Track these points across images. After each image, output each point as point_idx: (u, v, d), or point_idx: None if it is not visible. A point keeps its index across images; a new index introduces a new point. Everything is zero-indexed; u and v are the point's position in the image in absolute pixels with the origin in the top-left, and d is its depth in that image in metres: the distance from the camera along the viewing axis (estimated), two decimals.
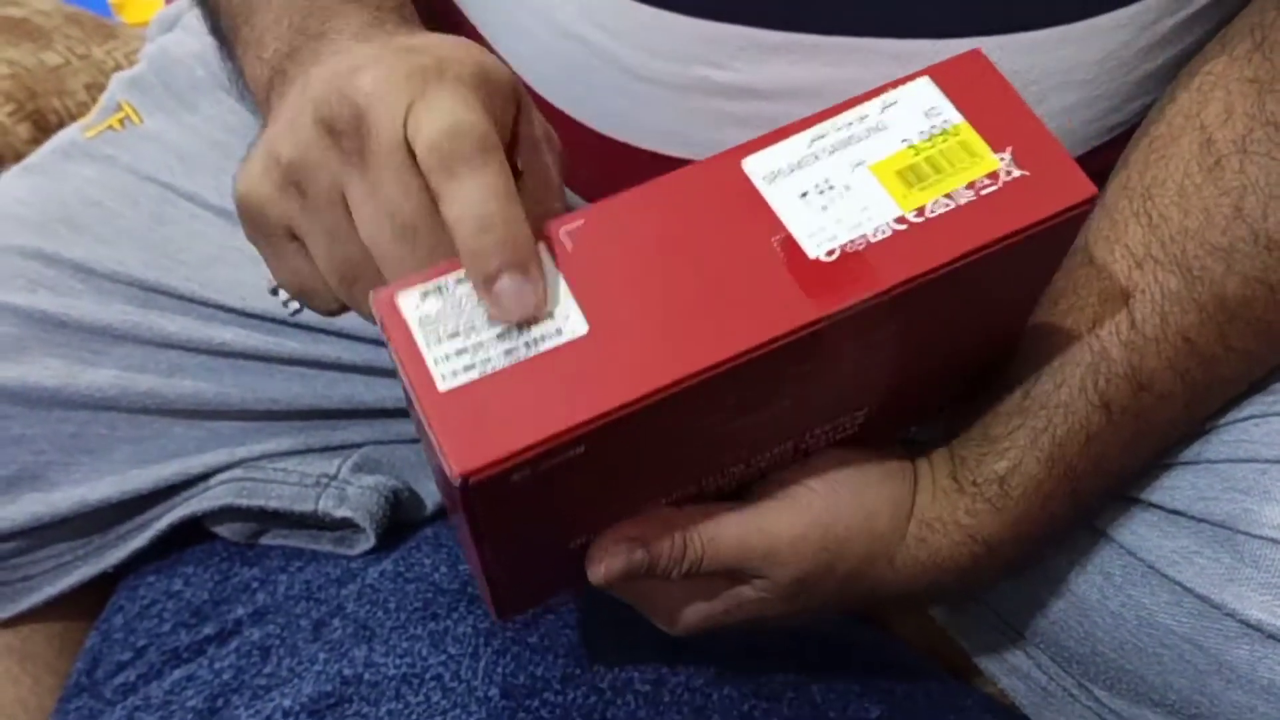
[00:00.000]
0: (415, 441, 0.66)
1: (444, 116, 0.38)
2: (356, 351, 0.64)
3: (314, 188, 0.40)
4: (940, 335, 0.45)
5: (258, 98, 0.49)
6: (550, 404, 0.37)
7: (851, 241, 0.39)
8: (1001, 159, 0.40)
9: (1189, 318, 0.47)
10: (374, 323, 0.39)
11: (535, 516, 0.41)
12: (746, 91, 0.50)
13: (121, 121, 0.69)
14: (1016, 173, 0.40)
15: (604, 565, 0.45)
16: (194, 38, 0.69)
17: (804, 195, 0.40)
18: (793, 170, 0.40)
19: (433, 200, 0.39)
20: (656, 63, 0.50)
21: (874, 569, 0.49)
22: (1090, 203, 0.40)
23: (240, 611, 0.61)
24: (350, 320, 0.63)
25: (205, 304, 0.63)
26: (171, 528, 0.64)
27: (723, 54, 0.49)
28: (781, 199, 0.40)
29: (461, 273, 0.38)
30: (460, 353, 0.37)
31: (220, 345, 0.63)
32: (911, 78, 0.42)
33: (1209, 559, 0.50)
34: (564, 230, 0.39)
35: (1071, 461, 0.48)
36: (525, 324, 0.38)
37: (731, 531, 0.47)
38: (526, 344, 0.37)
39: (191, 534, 0.65)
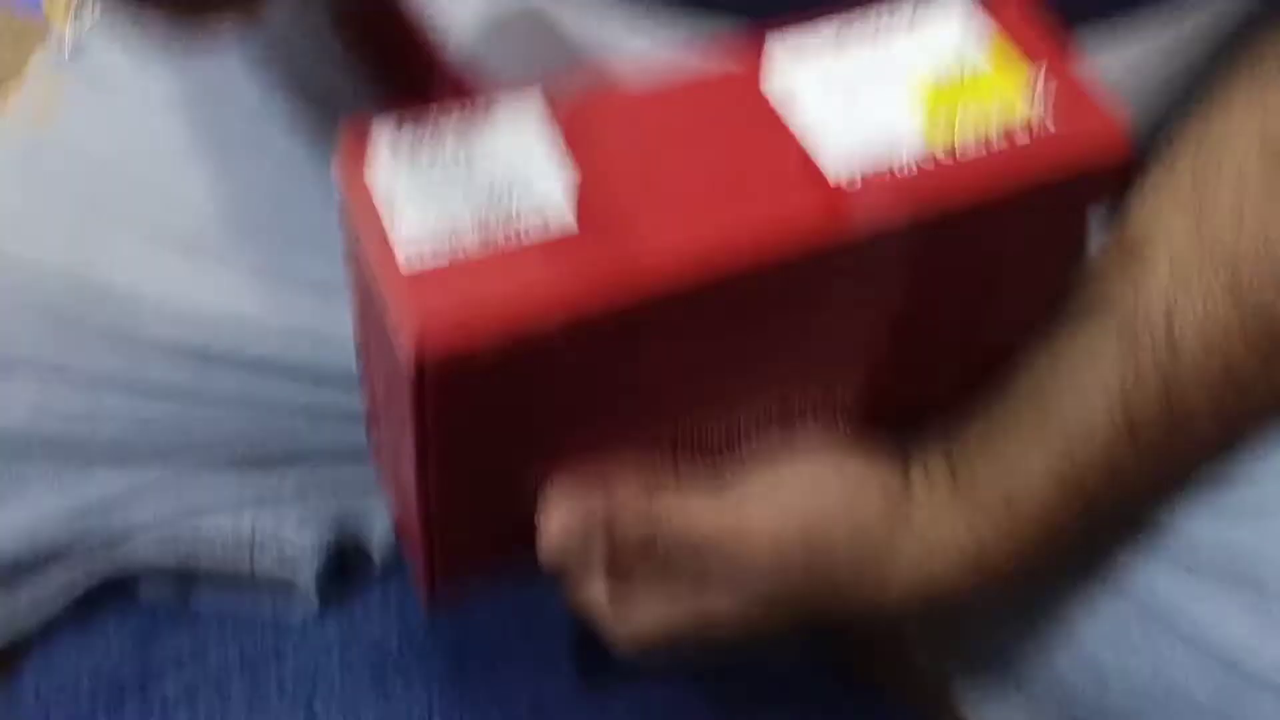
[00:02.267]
0: (365, 490, 0.60)
1: None
2: (296, 391, 0.58)
3: None
4: (947, 299, 0.42)
5: None
6: (527, 292, 0.34)
7: (876, 170, 0.36)
8: (1037, 99, 0.38)
9: (1234, 347, 0.43)
10: None
11: (493, 431, 0.38)
12: None
13: (40, 120, 0.62)
14: (1050, 125, 0.37)
15: (557, 515, 0.41)
16: None
17: (825, 113, 0.37)
18: (818, 85, 0.38)
19: None
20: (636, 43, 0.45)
21: (860, 583, 0.45)
22: (1124, 167, 0.39)
23: (169, 690, 0.55)
24: (297, 354, 0.58)
25: (132, 337, 0.56)
26: (93, 587, 0.58)
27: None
28: (805, 102, 0.38)
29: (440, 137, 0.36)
30: (433, 236, 0.34)
31: (147, 384, 0.57)
32: None
33: (1237, 619, 0.46)
34: (564, 107, 0.37)
35: (1089, 489, 0.44)
36: (509, 214, 0.35)
37: (702, 507, 0.42)
38: (507, 236, 0.35)
39: (114, 590, 0.59)
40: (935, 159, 0.37)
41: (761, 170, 0.36)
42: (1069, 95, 0.38)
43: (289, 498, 0.59)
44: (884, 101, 0.38)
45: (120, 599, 0.59)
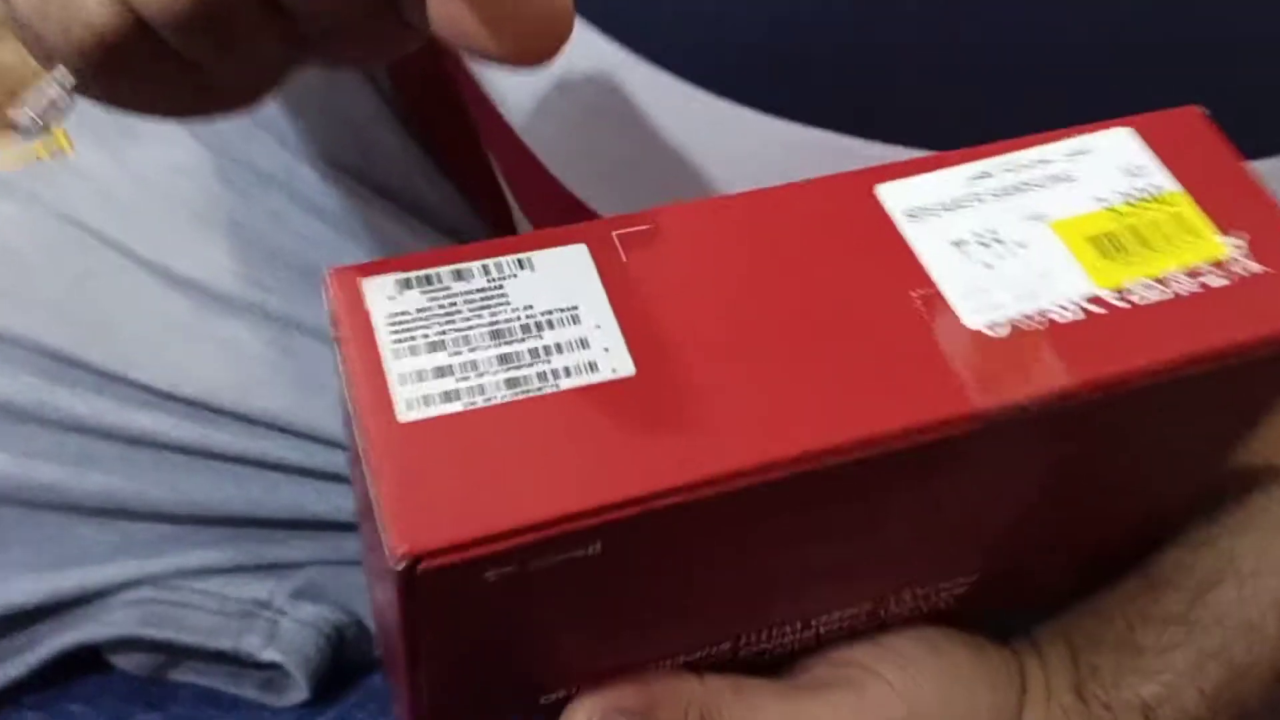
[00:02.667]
0: None
1: None
2: (306, 452, 0.53)
3: None
4: (1102, 474, 0.34)
5: None
6: (564, 469, 0.25)
7: (1027, 316, 0.29)
8: (1233, 245, 0.30)
9: None
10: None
11: (502, 642, 0.30)
12: None
13: (50, 151, 0.58)
14: (1255, 266, 0.30)
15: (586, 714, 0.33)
16: None
17: (960, 244, 0.30)
18: (945, 210, 0.30)
19: None
20: (720, 168, 0.39)
21: None
22: None
23: None
24: (306, 414, 0.53)
25: (126, 383, 0.52)
26: (59, 655, 0.51)
27: (810, 165, 0.38)
28: (928, 243, 0.30)
29: (460, 265, 0.28)
30: (442, 372, 0.26)
31: (140, 433, 0.52)
32: (1105, 125, 0.32)
33: None
34: (619, 233, 0.29)
35: (1248, 703, 0.36)
36: (545, 349, 0.27)
37: (768, 706, 0.34)
38: (542, 374, 0.27)
39: (85, 658, 0.53)
40: (1105, 304, 0.29)
41: (874, 315, 0.29)
42: (1270, 227, 0.31)
43: (288, 571, 0.53)
44: (1039, 235, 0.30)
45: (95, 670, 0.53)
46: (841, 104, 0.38)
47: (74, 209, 0.55)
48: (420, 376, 0.26)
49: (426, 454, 0.25)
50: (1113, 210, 0.31)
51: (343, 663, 0.53)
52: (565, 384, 0.26)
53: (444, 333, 0.27)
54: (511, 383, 0.26)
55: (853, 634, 0.36)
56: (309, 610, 0.53)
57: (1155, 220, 0.31)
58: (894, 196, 0.31)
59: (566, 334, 0.27)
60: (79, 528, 0.52)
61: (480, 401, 0.26)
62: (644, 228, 0.29)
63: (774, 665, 0.36)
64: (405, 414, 0.26)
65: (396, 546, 0.24)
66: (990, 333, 0.29)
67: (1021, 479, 0.31)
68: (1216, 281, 0.30)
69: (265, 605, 0.52)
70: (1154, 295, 0.29)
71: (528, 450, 0.25)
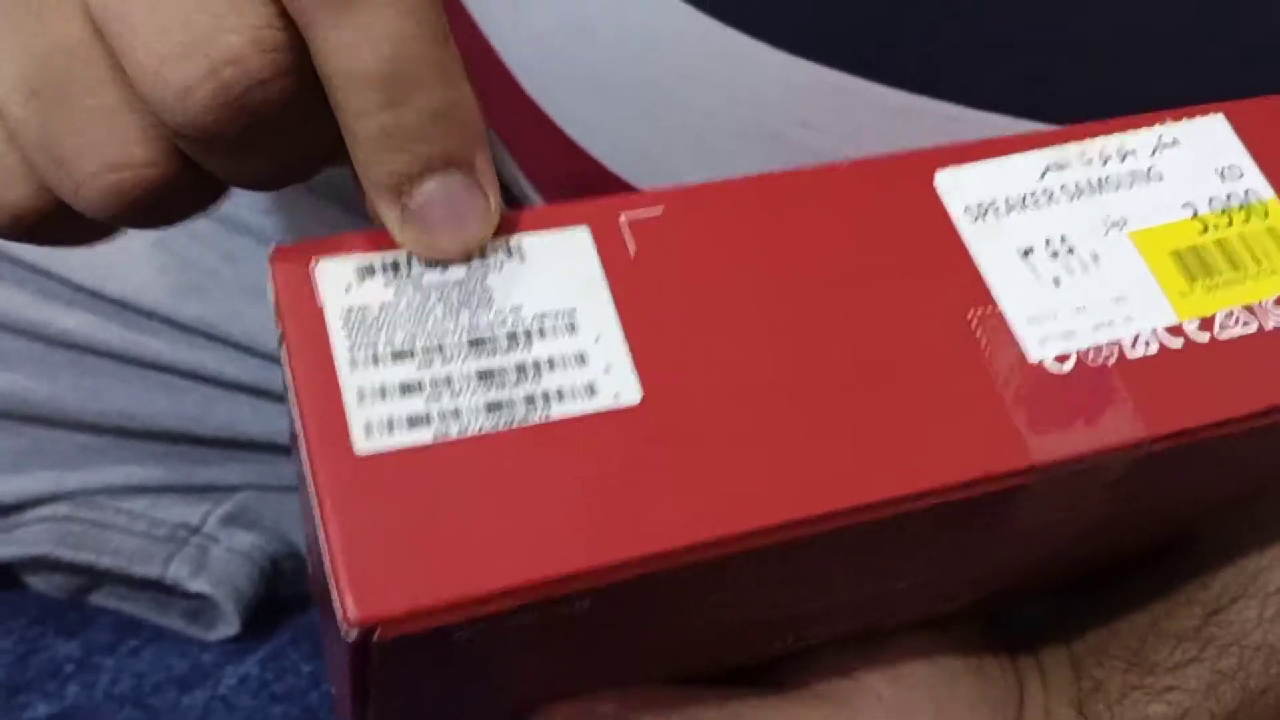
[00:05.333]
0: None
1: None
2: (243, 366, 0.48)
3: None
4: (1152, 511, 0.31)
5: None
6: (552, 522, 0.21)
7: (1097, 349, 0.25)
8: None
9: None
10: (93, 211, 0.23)
11: (464, 689, 0.26)
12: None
13: None
14: None
15: None
16: None
17: (1027, 253, 0.26)
18: (1012, 209, 0.26)
19: None
20: (721, 103, 0.34)
21: None
22: None
23: (41, 710, 0.45)
24: (245, 321, 0.48)
25: (47, 276, 0.47)
26: None
27: (814, 107, 0.33)
28: (991, 250, 0.26)
29: None
30: (409, 390, 0.22)
31: (61, 333, 0.47)
32: (1196, 110, 0.28)
33: None
34: (628, 217, 0.24)
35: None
36: (535, 365, 0.22)
37: (755, 712, 0.32)
38: (530, 398, 0.22)
39: None
40: (1185, 337, 0.25)
41: (923, 340, 0.24)
42: None
43: (221, 495, 0.49)
44: (1116, 246, 0.26)
45: (6, 590, 0.49)
46: (863, 45, 0.33)
47: None
48: (383, 393, 0.21)
49: (388, 497, 0.21)
50: (1200, 220, 0.27)
51: (276, 595, 0.49)
52: (557, 412, 0.22)
53: (413, 337, 0.22)
54: (493, 407, 0.22)
55: (839, 643, 0.33)
56: (242, 538, 0.49)
57: (1247, 235, 0.27)
58: (954, 187, 0.26)
59: (561, 346, 0.22)
60: None
61: (454, 431, 0.21)
62: (656, 211, 0.24)
63: (759, 670, 0.33)
64: (364, 443, 0.21)
65: (350, 613, 0.20)
66: (1055, 367, 0.24)
67: (1059, 523, 0.28)
68: None
69: (195, 530, 0.48)
70: (1239, 329, 0.26)
71: (508, 497, 0.21)
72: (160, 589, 0.48)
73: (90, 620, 0.48)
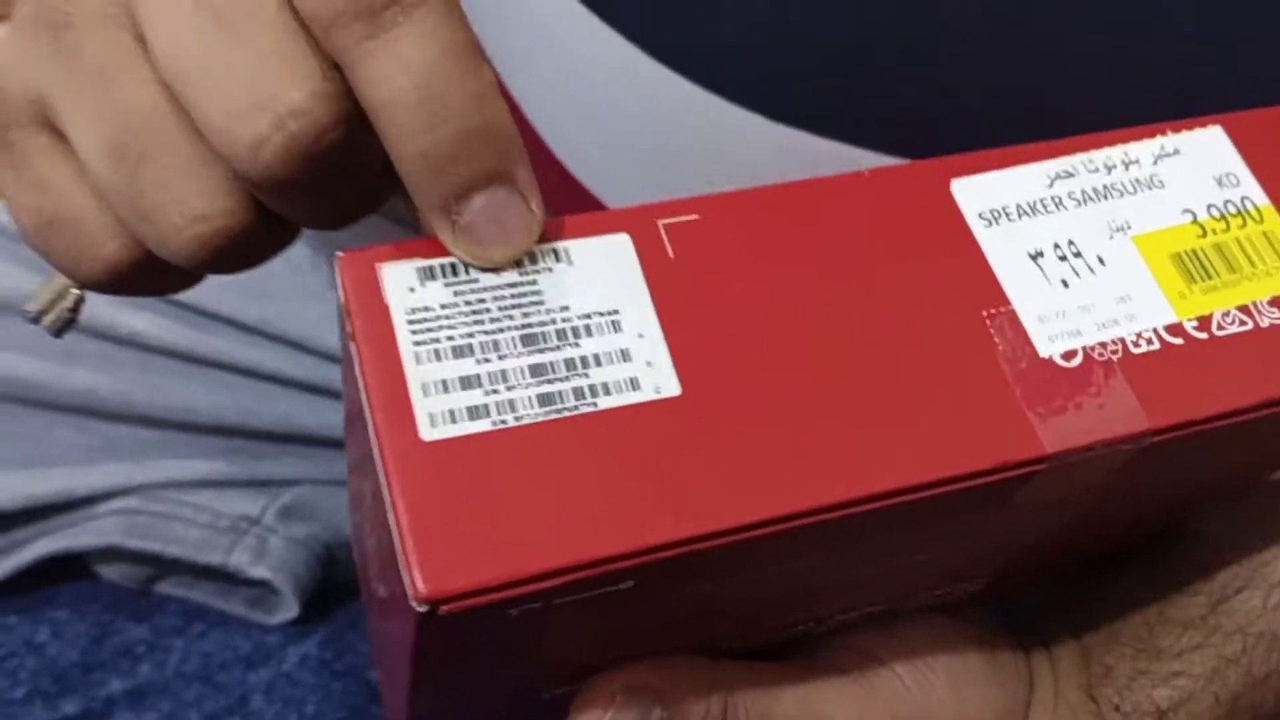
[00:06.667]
0: None
1: None
2: (302, 364, 0.51)
3: (82, 23, 0.26)
4: (1149, 494, 0.32)
5: None
6: (600, 504, 0.23)
7: (1102, 345, 0.27)
8: None
9: None
10: (181, 261, 0.25)
11: (511, 659, 0.28)
12: None
13: None
14: None
15: (601, 699, 0.31)
16: None
17: (1037, 256, 0.28)
18: (1023, 215, 0.28)
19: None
20: (732, 174, 0.37)
21: None
22: None
23: (116, 687, 0.47)
24: (301, 321, 0.50)
25: None
26: (42, 560, 0.50)
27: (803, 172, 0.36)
28: (1004, 253, 0.28)
29: None
30: (469, 383, 0.24)
31: (130, 334, 0.49)
32: (1196, 122, 0.30)
33: None
34: (664, 223, 0.26)
35: (1264, 713, 0.35)
36: (583, 360, 0.24)
37: (786, 713, 0.33)
38: (579, 391, 0.24)
39: (69, 566, 0.51)
40: (1185, 335, 0.27)
41: (942, 336, 0.26)
42: None
43: (279, 488, 0.52)
44: (1120, 250, 0.28)
45: (79, 573, 0.52)
46: (853, 115, 0.36)
47: None
48: (445, 387, 0.24)
49: (451, 481, 0.23)
50: (1199, 224, 0.29)
51: (333, 582, 0.52)
52: (604, 403, 0.24)
53: (471, 335, 0.24)
54: (545, 399, 0.24)
55: (861, 626, 0.35)
56: (300, 528, 0.51)
57: (1243, 239, 0.29)
58: (969, 194, 0.28)
59: (606, 343, 0.25)
60: (59, 428, 0.50)
61: (510, 420, 0.24)
62: (692, 217, 0.26)
63: (782, 648, 0.35)
64: (429, 432, 0.23)
65: (419, 588, 0.22)
66: (1064, 363, 0.27)
67: (1066, 506, 0.30)
68: None
69: (255, 521, 0.51)
70: (1235, 327, 0.28)
71: (561, 481, 0.23)
72: (223, 577, 0.51)
73: (159, 607, 0.51)
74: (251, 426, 0.51)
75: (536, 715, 0.33)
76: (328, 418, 0.51)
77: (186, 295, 0.49)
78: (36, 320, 0.30)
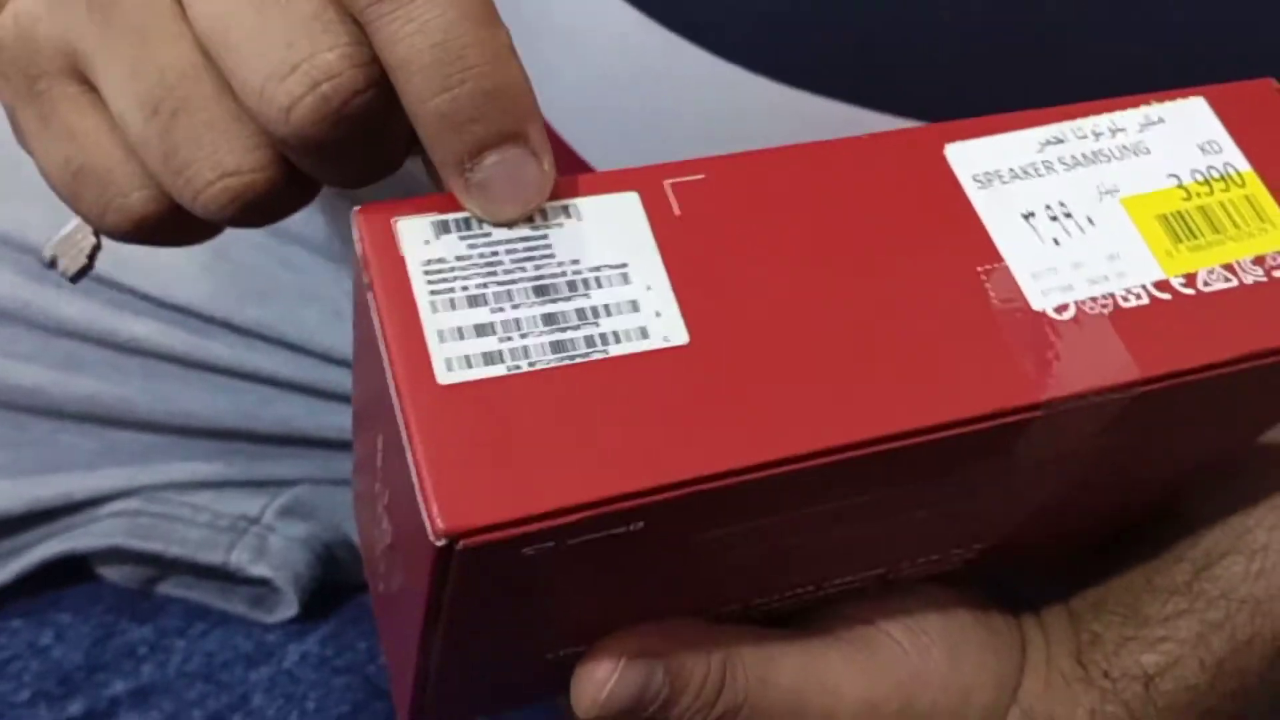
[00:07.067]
0: None
1: None
2: (298, 366, 0.52)
3: None
4: (1138, 454, 0.33)
5: None
6: (611, 445, 0.24)
7: (1094, 299, 0.28)
8: None
9: None
10: (207, 214, 0.27)
11: (522, 607, 0.29)
12: None
13: None
14: None
15: (605, 686, 0.31)
16: None
17: (1029, 215, 0.29)
18: (1014, 178, 0.29)
19: None
20: (730, 133, 0.38)
21: None
22: None
23: (119, 687, 0.48)
24: (301, 326, 0.51)
25: (117, 287, 0.50)
26: (45, 564, 0.51)
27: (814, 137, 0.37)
28: (997, 213, 0.29)
29: None
30: (483, 330, 0.25)
31: (130, 340, 0.50)
32: (1179, 93, 0.31)
33: None
34: (672, 182, 0.27)
35: (1248, 677, 0.36)
36: (593, 310, 0.25)
37: (787, 676, 0.34)
38: (590, 339, 0.25)
39: (72, 569, 0.52)
40: (1173, 291, 0.28)
41: (940, 291, 0.28)
42: None
43: (278, 488, 0.53)
44: (1109, 211, 0.29)
45: (81, 576, 0.53)
46: (856, 76, 0.37)
47: None
48: (460, 334, 0.25)
49: (467, 422, 0.24)
50: (1184, 188, 0.30)
51: (333, 581, 0.52)
52: (614, 350, 0.25)
53: (485, 285, 0.25)
54: (557, 346, 0.25)
55: (861, 589, 0.36)
56: (299, 527, 0.52)
57: (1226, 202, 0.30)
58: (963, 158, 0.29)
59: (616, 294, 0.26)
60: (63, 434, 0.51)
61: (524, 365, 0.25)
62: (698, 177, 0.27)
63: (782, 617, 0.36)
64: (445, 375, 0.24)
65: (437, 524, 0.23)
66: (1057, 316, 0.28)
67: (1060, 462, 0.31)
68: None
69: (254, 520, 0.52)
70: (1220, 284, 0.29)
71: (573, 423, 0.24)
72: (224, 577, 0.51)
73: (161, 608, 0.51)
74: (251, 429, 0.52)
75: (541, 677, 0.33)
76: (326, 419, 0.52)
77: (187, 299, 0.50)
78: (52, 265, 0.31)
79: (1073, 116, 0.30)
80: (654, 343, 0.25)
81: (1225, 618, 0.36)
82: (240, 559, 0.50)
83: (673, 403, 0.25)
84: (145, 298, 0.50)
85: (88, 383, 0.50)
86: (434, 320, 0.25)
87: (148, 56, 0.26)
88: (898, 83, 0.38)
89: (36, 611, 0.51)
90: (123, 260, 0.49)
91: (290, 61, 0.25)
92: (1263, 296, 0.29)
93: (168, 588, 0.52)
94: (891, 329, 0.27)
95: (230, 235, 0.50)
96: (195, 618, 0.51)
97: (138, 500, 0.51)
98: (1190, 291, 0.29)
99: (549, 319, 0.25)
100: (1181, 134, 0.31)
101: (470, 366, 0.24)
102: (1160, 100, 0.31)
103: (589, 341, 0.25)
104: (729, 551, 0.29)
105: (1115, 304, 0.28)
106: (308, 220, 0.52)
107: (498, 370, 0.24)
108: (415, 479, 0.23)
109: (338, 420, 0.52)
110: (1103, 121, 0.30)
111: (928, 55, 0.37)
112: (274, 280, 0.51)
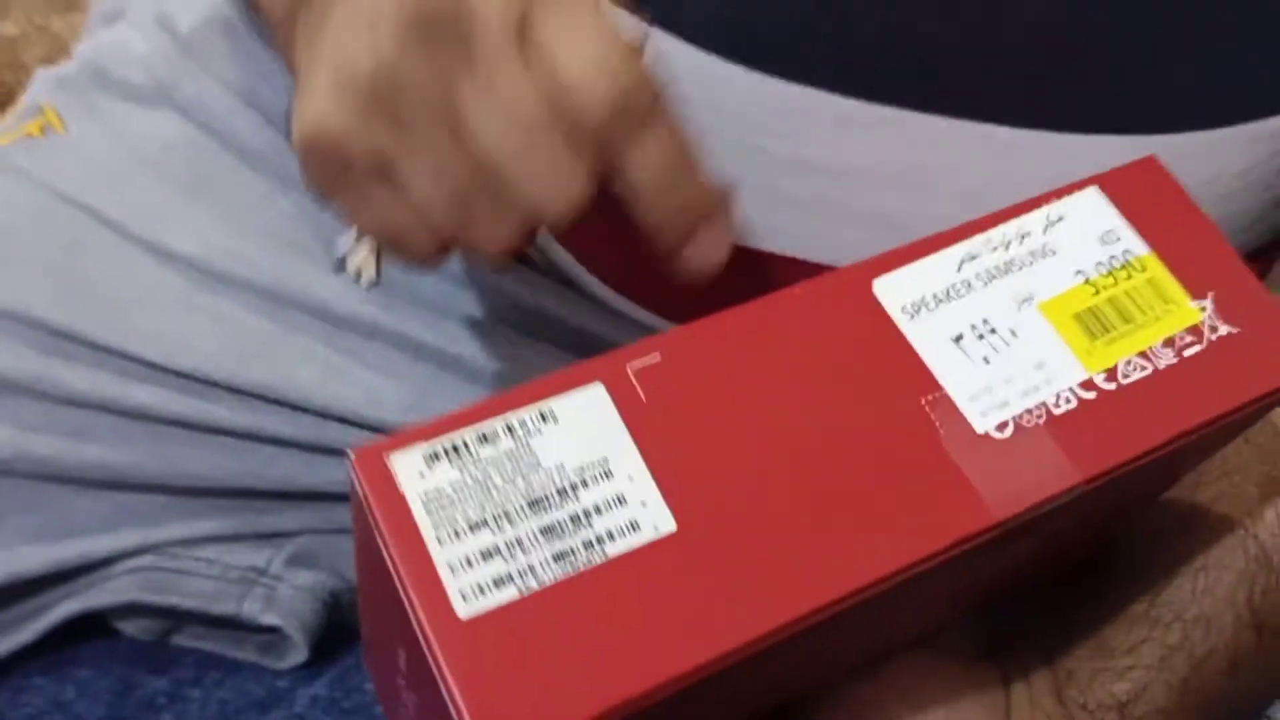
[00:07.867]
0: None
1: (593, 56, 0.32)
2: (297, 424, 0.54)
3: (414, 102, 0.33)
4: (1090, 524, 0.36)
5: (275, 15, 0.39)
6: (624, 647, 0.26)
7: (1028, 412, 0.30)
8: (1202, 308, 0.32)
9: None
10: (483, 256, 0.34)
11: None
12: (809, 168, 0.40)
13: (42, 128, 0.58)
14: (1223, 328, 0.31)
15: None
16: (140, 36, 0.58)
17: (958, 339, 0.30)
18: (940, 303, 0.31)
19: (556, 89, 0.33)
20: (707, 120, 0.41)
21: None
22: None
23: None
24: (299, 386, 0.54)
25: (122, 356, 0.52)
26: (65, 622, 0.53)
27: (787, 122, 0.39)
28: (929, 341, 0.30)
29: (483, 427, 0.27)
30: (489, 556, 0.26)
31: (136, 407, 0.53)
32: (1075, 187, 0.33)
33: None
34: (633, 367, 0.29)
35: (1209, 691, 0.38)
36: (585, 514, 0.27)
37: None
38: (587, 543, 0.27)
39: (90, 625, 0.55)
40: (1096, 389, 0.30)
41: (892, 430, 0.29)
42: (1237, 288, 0.32)
43: (283, 540, 0.55)
44: (1029, 319, 0.31)
45: (98, 632, 0.55)
46: (831, 61, 0.40)
47: (65, 183, 0.55)
48: (469, 562, 0.26)
49: (490, 651, 0.25)
50: (1091, 284, 0.32)
51: (339, 626, 0.55)
52: (611, 550, 0.26)
53: (483, 508, 0.26)
54: (559, 557, 0.26)
55: (848, 675, 0.38)
56: (305, 576, 0.54)
57: (1130, 290, 0.32)
58: (890, 291, 0.31)
59: (602, 492, 0.27)
60: (78, 499, 0.53)
61: (533, 584, 0.26)
62: (655, 359, 0.29)
63: (780, 712, 0.38)
64: (463, 608, 0.25)
65: None
66: (998, 434, 0.30)
67: (1016, 549, 0.33)
68: (1193, 349, 0.31)
69: (262, 572, 0.54)
70: (1138, 373, 0.31)
71: (583, 635, 0.26)
72: (235, 626, 0.54)
73: (176, 660, 0.54)
74: (255, 487, 0.54)
75: None
76: (326, 474, 0.55)
77: (191, 365, 0.52)
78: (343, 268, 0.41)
79: (984, 229, 0.32)
80: (646, 534, 0.27)
81: (1184, 638, 0.38)
82: (252, 609, 0.53)
83: (671, 595, 0.26)
84: (151, 365, 0.52)
85: (97, 450, 0.53)
86: (442, 554, 0.26)
87: (443, 167, 0.33)
88: (870, 67, 0.40)
89: (57, 668, 0.54)
90: (124, 330, 0.52)
91: (555, 182, 0.33)
92: (1178, 378, 0.31)
93: (182, 639, 0.55)
94: (856, 480, 0.28)
95: (227, 298, 0.53)
96: (209, 667, 0.54)
97: (151, 557, 0.54)
98: (1112, 386, 0.30)
99: (547, 531, 0.26)
100: (1082, 229, 0.32)
101: (484, 594, 0.26)
102: (1058, 196, 0.33)
103: (587, 546, 0.26)
104: (735, 691, 0.31)
105: (1048, 412, 0.30)
106: (297, 275, 0.55)
107: (510, 593, 0.26)
108: (452, 710, 0.25)
109: (337, 475, 0.54)
110: (1010, 229, 0.32)
111: (901, 40, 0.40)
112: (271, 341, 0.53)
